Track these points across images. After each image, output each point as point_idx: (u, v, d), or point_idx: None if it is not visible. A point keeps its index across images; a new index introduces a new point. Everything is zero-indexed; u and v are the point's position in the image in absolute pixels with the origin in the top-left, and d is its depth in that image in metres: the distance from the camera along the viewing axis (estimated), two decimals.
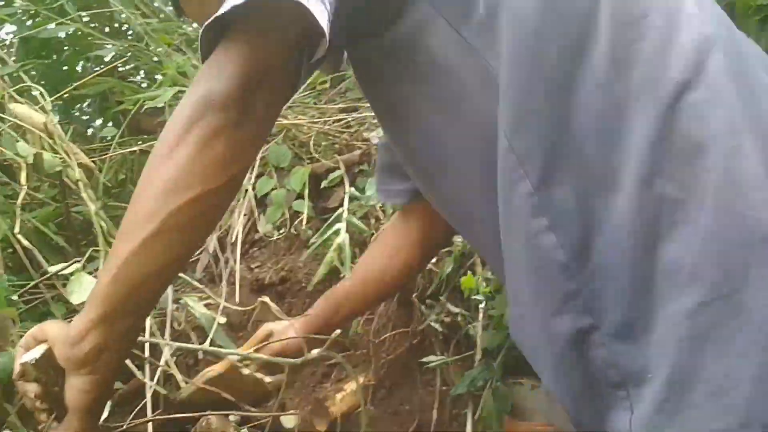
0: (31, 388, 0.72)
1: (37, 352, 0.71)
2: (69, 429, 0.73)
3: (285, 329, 1.20)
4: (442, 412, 1.36)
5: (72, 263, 1.14)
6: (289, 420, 0.98)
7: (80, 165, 1.37)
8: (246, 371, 1.14)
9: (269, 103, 0.71)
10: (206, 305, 1.47)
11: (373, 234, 1.58)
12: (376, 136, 1.90)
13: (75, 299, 1.12)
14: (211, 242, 1.68)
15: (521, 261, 0.69)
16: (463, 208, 0.82)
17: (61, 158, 1.34)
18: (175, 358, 1.39)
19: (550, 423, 1.26)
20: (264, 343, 1.16)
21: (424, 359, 1.35)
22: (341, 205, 1.60)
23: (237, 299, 1.55)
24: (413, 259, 1.15)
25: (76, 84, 1.77)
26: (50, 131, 1.35)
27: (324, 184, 1.69)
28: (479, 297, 1.39)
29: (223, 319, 1.39)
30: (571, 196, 0.64)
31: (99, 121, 2.17)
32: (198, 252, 1.69)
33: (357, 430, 1.25)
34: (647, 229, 0.61)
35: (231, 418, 0.99)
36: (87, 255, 1.23)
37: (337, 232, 1.45)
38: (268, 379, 1.16)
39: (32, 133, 1.34)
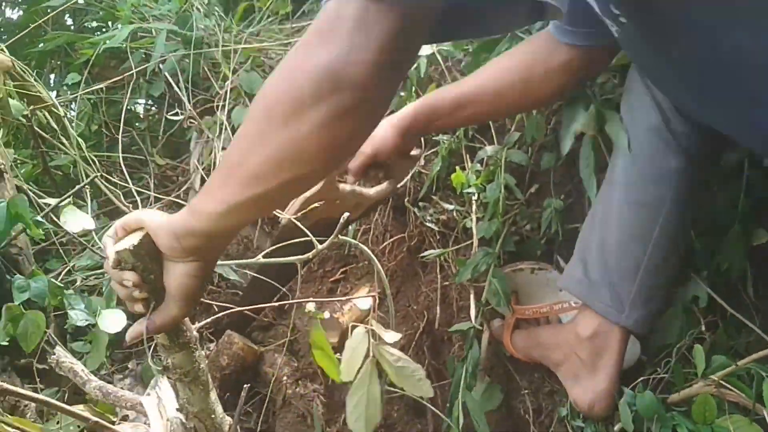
0: (128, 276, 0.72)
1: (135, 238, 0.71)
2: (168, 314, 0.74)
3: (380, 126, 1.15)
4: (448, 306, 1.37)
5: (63, 199, 1.17)
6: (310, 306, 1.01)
7: (49, 111, 1.33)
8: (343, 186, 1.13)
9: (406, 72, 0.68)
10: None
11: None
12: None
13: (71, 228, 1.25)
14: (197, 179, 1.65)
15: None
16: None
17: (29, 105, 1.30)
18: None
19: (555, 303, 1.27)
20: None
21: (423, 254, 1.34)
22: None
23: None
24: (563, 86, 1.12)
25: (26, 31, 1.70)
26: (17, 72, 1.30)
27: None
28: (471, 190, 1.37)
29: None
30: None
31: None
32: (183, 190, 1.68)
33: None
34: None
35: None
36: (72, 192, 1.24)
37: None
38: (371, 191, 1.16)
39: None
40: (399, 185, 1.28)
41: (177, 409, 0.88)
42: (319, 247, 1.05)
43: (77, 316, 1.30)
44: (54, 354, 1.15)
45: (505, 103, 1.15)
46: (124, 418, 1.13)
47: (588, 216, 1.18)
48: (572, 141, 1.20)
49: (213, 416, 0.86)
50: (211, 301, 1.45)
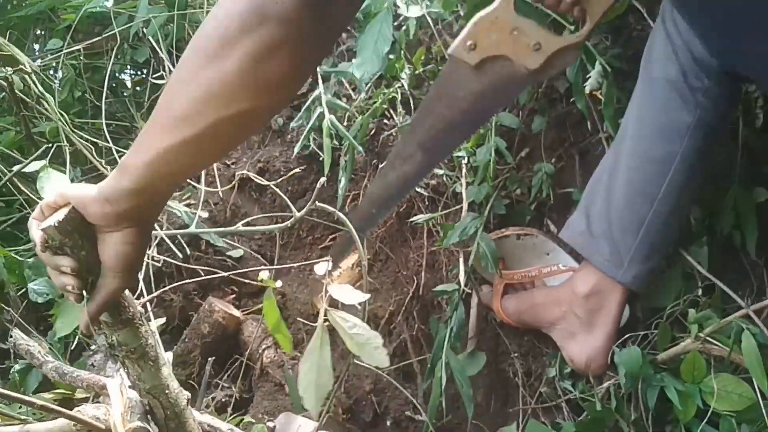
0: (65, 263, 0.68)
1: (60, 214, 0.67)
2: (109, 289, 0.70)
3: None
4: (437, 271, 1.36)
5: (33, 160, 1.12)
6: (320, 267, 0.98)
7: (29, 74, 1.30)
8: (524, 18, 0.88)
9: (345, 13, 0.62)
10: (187, 205, 1.44)
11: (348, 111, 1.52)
12: None
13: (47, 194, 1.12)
14: None
15: None
16: None
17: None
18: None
19: (543, 266, 1.26)
20: None
21: (412, 219, 1.33)
22: (310, 90, 1.54)
23: (220, 194, 1.52)
24: None
25: None
26: None
27: None
28: (461, 154, 1.36)
29: (205, 214, 1.36)
30: None
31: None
32: None
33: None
34: None
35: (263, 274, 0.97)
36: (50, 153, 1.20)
37: (320, 117, 1.39)
38: (558, 37, 0.86)
39: None
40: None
41: (130, 387, 0.85)
42: (297, 214, 1.01)
43: (37, 291, 1.27)
44: (11, 336, 1.12)
45: None
46: (97, 396, 1.11)
47: (597, 168, 1.16)
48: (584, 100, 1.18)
49: (167, 392, 0.82)
50: (198, 267, 1.43)
